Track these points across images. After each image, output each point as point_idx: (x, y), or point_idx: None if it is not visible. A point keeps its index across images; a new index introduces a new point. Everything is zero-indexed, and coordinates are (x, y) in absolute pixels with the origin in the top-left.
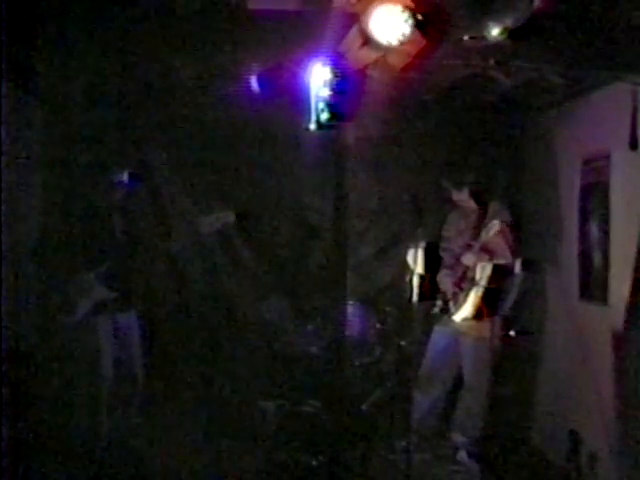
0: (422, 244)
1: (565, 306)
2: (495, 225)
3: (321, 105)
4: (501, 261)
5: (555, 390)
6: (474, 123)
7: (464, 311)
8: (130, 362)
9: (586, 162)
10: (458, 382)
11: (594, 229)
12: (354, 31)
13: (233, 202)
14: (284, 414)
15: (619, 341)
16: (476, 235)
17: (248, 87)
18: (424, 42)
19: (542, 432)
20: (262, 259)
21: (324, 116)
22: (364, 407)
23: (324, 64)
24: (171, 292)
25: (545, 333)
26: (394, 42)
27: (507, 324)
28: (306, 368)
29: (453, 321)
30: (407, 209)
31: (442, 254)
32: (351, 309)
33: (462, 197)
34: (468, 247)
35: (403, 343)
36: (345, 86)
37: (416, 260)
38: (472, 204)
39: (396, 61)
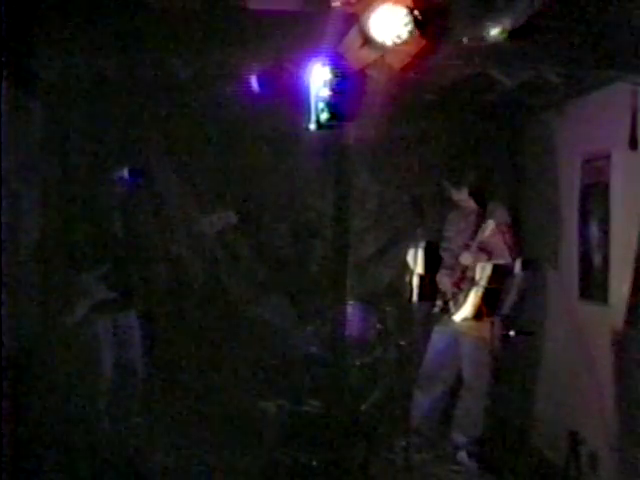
0: (422, 244)
1: (565, 306)
2: (490, 224)
3: (321, 105)
4: (500, 261)
5: (555, 390)
6: (474, 123)
7: (464, 311)
8: (130, 362)
9: (586, 162)
10: (458, 382)
11: (594, 229)
12: (354, 31)
13: (233, 202)
14: (284, 414)
15: (619, 341)
16: (475, 235)
17: (248, 87)
18: (424, 42)
19: (542, 432)
20: (262, 259)
21: (324, 116)
22: (364, 407)
23: (324, 64)
24: (171, 292)
25: (545, 333)
26: (394, 42)
27: (507, 324)
28: (306, 368)
29: (453, 321)
30: (407, 209)
31: (442, 254)
32: (351, 309)
33: (461, 197)
34: (466, 247)
35: (403, 343)
36: (345, 86)
37: (416, 260)
38: (471, 204)
39: (396, 61)
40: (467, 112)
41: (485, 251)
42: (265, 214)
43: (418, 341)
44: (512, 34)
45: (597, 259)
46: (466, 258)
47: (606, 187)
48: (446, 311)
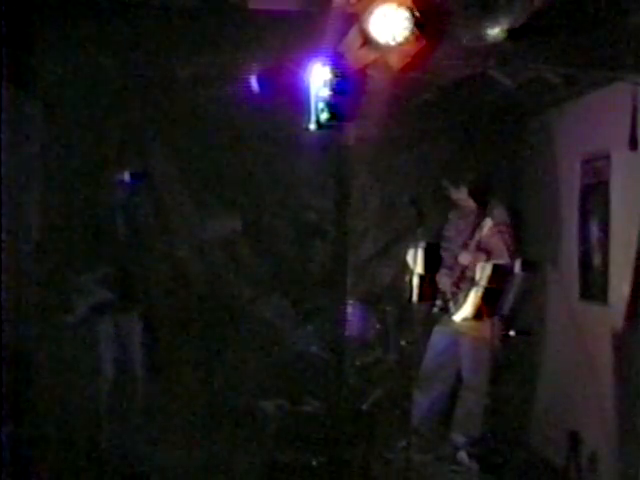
0: (422, 244)
1: (565, 306)
2: (488, 223)
3: (321, 105)
4: (499, 261)
5: (555, 390)
6: (474, 123)
7: (464, 311)
8: (131, 363)
9: (586, 162)
10: (458, 382)
11: (594, 229)
12: (354, 31)
13: (233, 202)
14: (284, 414)
15: (619, 341)
16: (473, 234)
17: (248, 87)
18: (424, 42)
19: (542, 432)
20: (262, 259)
21: (324, 116)
22: (364, 407)
23: (324, 64)
24: (171, 293)
25: (545, 333)
26: (394, 42)
27: (507, 324)
28: (306, 368)
29: (453, 321)
30: (407, 209)
31: (442, 254)
32: (351, 309)
33: (461, 196)
34: (465, 246)
35: (403, 343)
36: (345, 86)
37: (416, 260)
38: (471, 203)
39: (396, 61)
40: (467, 112)
41: (484, 251)
42: (265, 214)
43: (418, 341)
44: (512, 34)
45: (597, 259)
46: (465, 257)
47: (606, 187)
48: (446, 311)
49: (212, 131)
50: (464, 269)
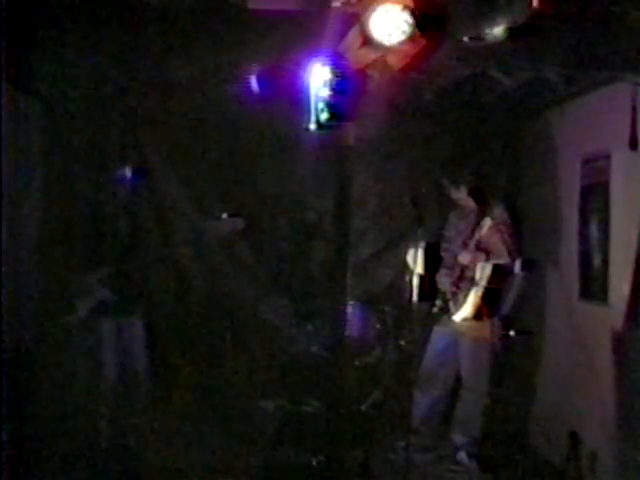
0: (422, 244)
1: (565, 306)
2: (487, 222)
3: (321, 105)
4: (499, 261)
5: (555, 390)
6: (474, 123)
7: (464, 311)
8: (132, 363)
9: (586, 162)
10: (458, 382)
11: (594, 229)
12: (354, 31)
13: (233, 202)
14: (284, 414)
15: (619, 341)
16: (473, 234)
17: (248, 87)
18: (424, 42)
19: (542, 432)
20: (262, 259)
21: (324, 116)
22: (364, 407)
23: (324, 64)
24: (171, 293)
25: (545, 333)
26: (394, 42)
27: (507, 324)
28: (306, 368)
29: (453, 321)
30: (407, 209)
31: (443, 254)
32: (351, 309)
33: (460, 196)
34: (464, 246)
35: (403, 343)
36: (345, 86)
37: (416, 260)
38: (471, 203)
39: (396, 61)
40: (467, 112)
41: (484, 250)
42: (265, 214)
43: (418, 341)
44: (512, 34)
45: (597, 259)
46: (464, 257)
47: (606, 187)
48: (446, 311)
49: (212, 131)
50: (464, 269)
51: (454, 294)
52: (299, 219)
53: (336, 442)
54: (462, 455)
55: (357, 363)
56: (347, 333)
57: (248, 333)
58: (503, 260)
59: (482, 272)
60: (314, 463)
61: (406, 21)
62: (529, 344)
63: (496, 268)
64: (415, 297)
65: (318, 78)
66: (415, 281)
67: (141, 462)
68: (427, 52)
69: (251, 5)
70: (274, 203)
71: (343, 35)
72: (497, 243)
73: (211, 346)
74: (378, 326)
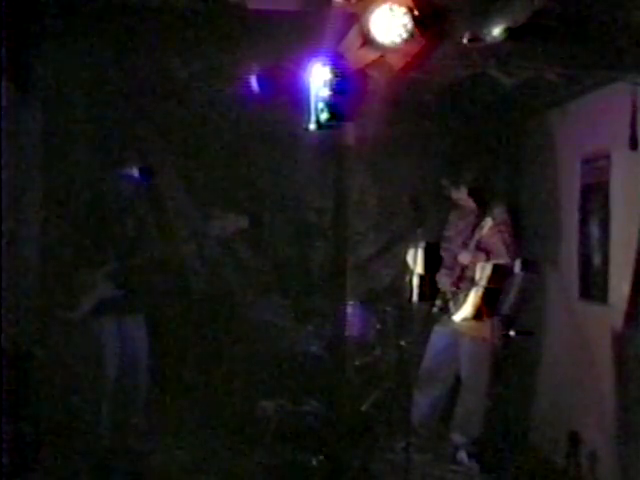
0: (422, 244)
1: (565, 306)
2: (488, 222)
3: (321, 105)
4: (499, 261)
5: (555, 390)
6: (474, 123)
7: (464, 311)
8: (133, 363)
9: (586, 162)
10: (458, 382)
11: (594, 229)
12: (354, 31)
13: (233, 202)
14: (284, 414)
15: (619, 341)
16: (473, 234)
17: (248, 87)
18: (424, 42)
19: (542, 432)
20: (262, 259)
21: (324, 116)
22: (364, 407)
23: (324, 64)
24: (172, 293)
25: (545, 333)
26: (394, 42)
27: (507, 324)
28: (306, 368)
29: (453, 321)
30: (407, 209)
31: (443, 254)
32: (351, 309)
33: (460, 196)
34: (464, 246)
35: (403, 343)
36: (345, 86)
37: (416, 260)
38: (471, 203)
39: (396, 61)
40: (467, 112)
41: (484, 250)
42: (265, 214)
43: (418, 341)
44: (512, 34)
45: (597, 259)
46: (464, 257)
47: (606, 187)
48: (446, 311)
49: (212, 131)
50: (464, 269)
51: (454, 294)
52: (299, 219)
53: (336, 442)
54: (462, 455)
55: (357, 363)
56: (347, 333)
57: (248, 333)
58: (503, 260)
59: (482, 272)
60: (314, 463)
61: (406, 21)
62: (529, 344)
63: (496, 268)
64: (415, 297)
65: (318, 78)
66: (415, 281)
67: (141, 462)
68: (427, 52)
69: (251, 5)
70: (274, 203)
71: (343, 35)
72: (497, 243)
73: (211, 346)
74: (378, 326)
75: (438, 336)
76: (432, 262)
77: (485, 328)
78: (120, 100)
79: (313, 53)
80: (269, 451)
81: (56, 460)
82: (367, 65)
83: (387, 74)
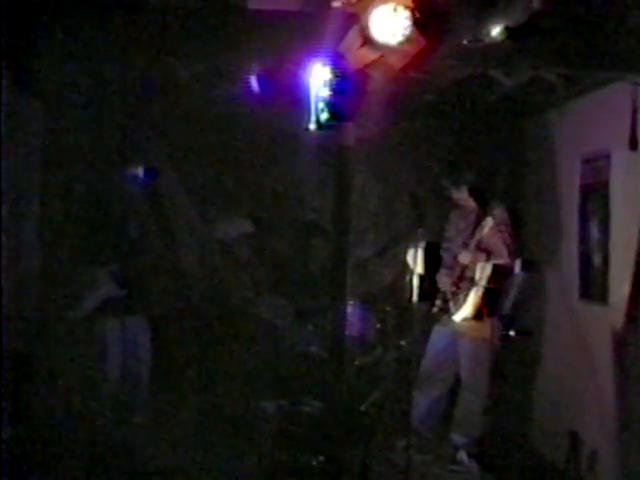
0: (422, 244)
1: (565, 306)
2: (488, 222)
3: (321, 105)
4: (499, 261)
5: (555, 390)
6: (474, 123)
7: (464, 311)
8: (135, 363)
9: (586, 162)
10: (458, 382)
11: (594, 229)
12: (354, 31)
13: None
14: (284, 414)
15: (619, 341)
16: (473, 234)
17: (248, 87)
18: (424, 42)
19: (542, 432)
20: (262, 259)
21: (324, 116)
22: (364, 407)
23: (324, 64)
24: (171, 292)
25: (545, 333)
26: (394, 42)
27: (507, 324)
28: (306, 368)
29: (453, 321)
30: (407, 209)
31: (443, 254)
32: (351, 309)
33: (461, 196)
34: (465, 246)
35: (403, 343)
36: (345, 86)
37: (416, 260)
38: (471, 203)
39: (396, 61)
40: (467, 112)
41: (484, 250)
42: (265, 214)
43: (418, 341)
44: (512, 34)
45: (597, 259)
46: (465, 257)
47: (606, 187)
48: (446, 311)
49: (212, 131)
50: (464, 269)
51: (454, 294)
52: (299, 219)
53: (336, 442)
54: (462, 455)
55: (357, 363)
56: (347, 333)
57: (248, 333)
58: (503, 260)
59: (482, 272)
60: (314, 463)
61: (406, 21)
62: (529, 344)
63: (496, 268)
64: (415, 297)
65: (318, 78)
66: (415, 281)
67: (141, 462)
68: (427, 52)
69: (251, 5)
70: (274, 203)
71: (343, 35)
72: (498, 243)
73: (211, 346)
74: (378, 326)
75: (438, 336)
76: (432, 262)
77: (485, 328)
78: (120, 100)
79: (313, 53)
80: (269, 451)
81: (56, 460)
82: (367, 65)
83: (387, 74)
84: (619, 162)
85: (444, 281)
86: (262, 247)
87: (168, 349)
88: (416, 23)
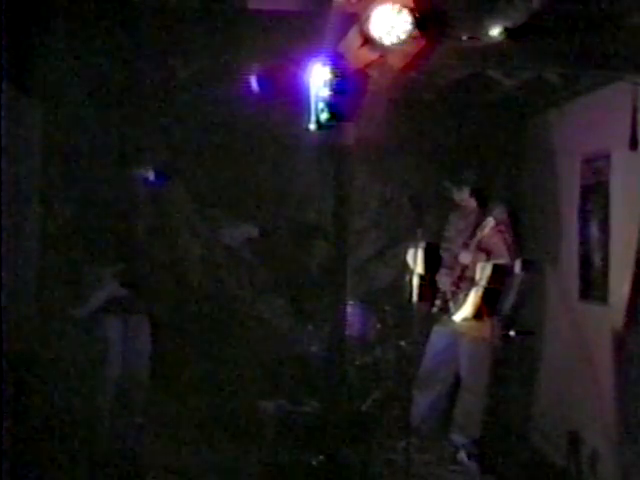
0: (422, 244)
1: (565, 306)
2: (489, 222)
3: (321, 105)
4: (499, 261)
5: (555, 390)
6: (474, 123)
7: (464, 311)
8: (136, 363)
9: (586, 162)
10: (458, 382)
11: (594, 229)
12: (354, 31)
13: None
14: (284, 414)
15: (619, 341)
16: (474, 234)
17: (248, 87)
18: (424, 42)
19: (542, 432)
20: (262, 259)
21: (324, 116)
22: (364, 407)
23: (324, 64)
24: (172, 292)
25: (545, 333)
26: (394, 42)
27: (507, 324)
28: (306, 368)
29: (453, 321)
30: (407, 209)
31: (443, 254)
32: (351, 309)
33: (462, 196)
34: (465, 246)
35: (403, 343)
36: (345, 86)
37: (416, 260)
38: (472, 203)
39: (396, 61)
40: (467, 112)
41: (484, 250)
42: (265, 214)
43: (418, 341)
44: (512, 34)
45: (597, 259)
46: (465, 257)
47: (606, 187)
48: (446, 311)
49: (212, 131)
50: (464, 269)
51: (454, 294)
52: (299, 219)
53: (336, 442)
54: (462, 455)
55: (357, 363)
56: (347, 333)
57: (248, 333)
58: (503, 260)
59: (482, 272)
60: (314, 463)
61: (406, 21)
62: (529, 344)
63: (496, 268)
64: (415, 297)
65: (318, 78)
66: (415, 281)
67: (141, 462)
68: (427, 52)
69: (251, 5)
70: (274, 203)
71: (343, 35)
72: (498, 243)
73: (211, 346)
74: (378, 326)
75: (438, 336)
76: (432, 262)
77: (485, 328)
78: (120, 100)
79: (313, 53)
80: (269, 451)
81: (56, 460)
82: (367, 65)
83: (387, 74)
84: (619, 162)
85: (444, 281)
86: (262, 247)
87: (169, 349)
88: (416, 23)
